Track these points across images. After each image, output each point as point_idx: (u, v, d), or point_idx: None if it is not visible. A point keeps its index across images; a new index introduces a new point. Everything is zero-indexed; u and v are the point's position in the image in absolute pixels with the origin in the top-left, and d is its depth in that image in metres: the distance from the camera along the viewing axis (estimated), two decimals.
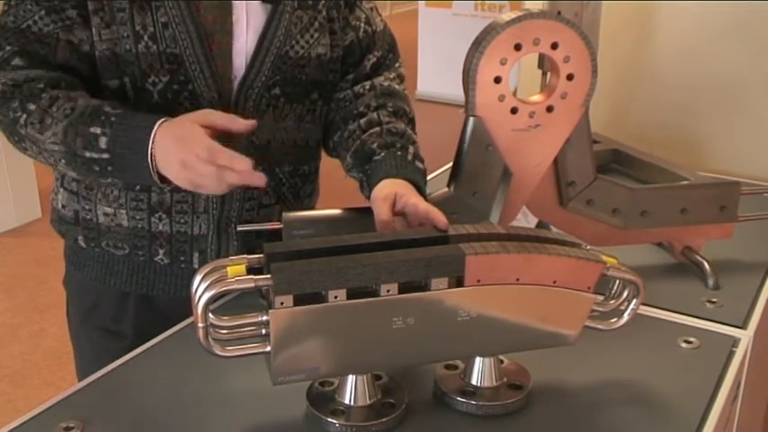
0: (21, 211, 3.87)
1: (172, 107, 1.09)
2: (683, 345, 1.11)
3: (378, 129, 1.16)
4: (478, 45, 1.10)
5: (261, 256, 0.87)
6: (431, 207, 0.99)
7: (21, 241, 3.73)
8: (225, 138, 1.01)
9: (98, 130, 1.01)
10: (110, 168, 1.03)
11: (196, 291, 0.83)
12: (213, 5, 1.09)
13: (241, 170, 0.96)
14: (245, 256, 0.87)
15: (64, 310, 1.32)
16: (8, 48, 1.05)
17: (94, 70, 1.09)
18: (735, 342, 1.13)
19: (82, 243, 1.19)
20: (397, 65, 1.30)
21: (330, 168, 1.34)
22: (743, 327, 1.17)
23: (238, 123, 1.01)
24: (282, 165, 1.21)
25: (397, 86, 1.26)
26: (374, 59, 1.26)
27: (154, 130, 0.99)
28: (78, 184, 1.17)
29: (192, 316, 0.84)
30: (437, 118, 5.77)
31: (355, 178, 1.18)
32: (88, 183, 1.16)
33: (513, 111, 1.14)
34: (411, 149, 1.15)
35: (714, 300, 1.24)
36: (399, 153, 1.13)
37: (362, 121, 1.19)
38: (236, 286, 0.83)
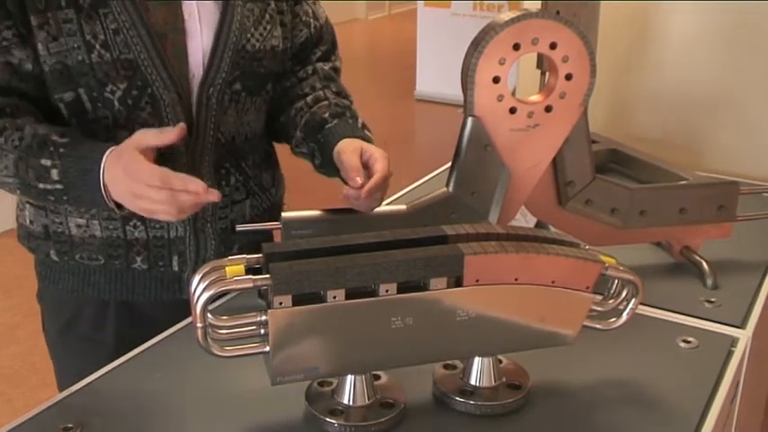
0: None
1: (134, 113, 1.08)
2: (682, 344, 1.11)
3: (326, 102, 1.22)
4: (477, 45, 1.10)
5: (260, 255, 0.86)
6: (380, 172, 1.03)
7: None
8: (167, 150, 1.02)
9: (48, 162, 1.01)
10: (65, 197, 1.03)
11: (195, 290, 0.83)
12: (162, 6, 1.08)
13: (196, 191, 0.95)
14: (243, 255, 0.87)
15: (41, 328, 1.29)
16: None
17: (40, 89, 1.07)
18: (733, 342, 1.13)
19: (54, 257, 1.17)
20: (333, 57, 1.33)
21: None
22: (741, 326, 1.17)
23: (169, 135, 0.99)
24: (247, 158, 1.22)
25: (335, 75, 1.30)
26: (320, 53, 1.29)
27: (103, 162, 0.99)
28: None
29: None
30: (435, 118, 5.78)
31: (304, 153, 1.21)
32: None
33: (512, 110, 1.14)
34: (360, 120, 1.20)
35: (713, 299, 1.24)
36: (350, 121, 1.18)
37: (309, 98, 1.23)
38: (234, 286, 0.83)
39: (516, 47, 1.10)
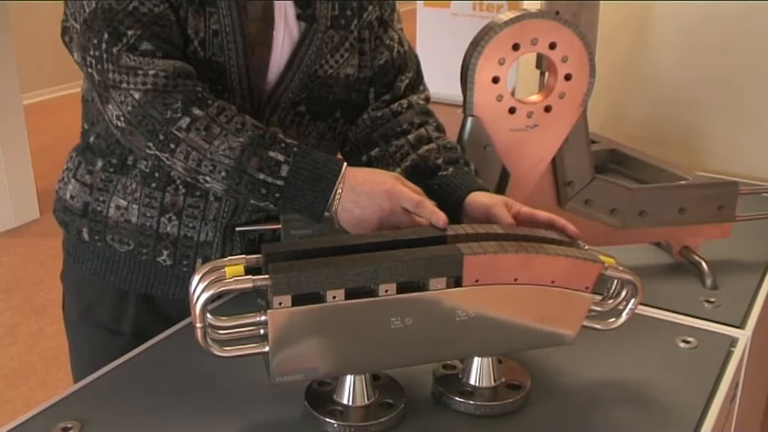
0: (19, 212, 3.86)
1: None
2: (682, 344, 1.11)
3: (433, 145, 1.15)
4: (476, 45, 1.10)
5: (259, 256, 0.87)
6: (552, 215, 1.00)
7: (19, 241, 3.72)
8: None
9: (281, 157, 0.99)
10: (277, 195, 1.01)
11: (194, 291, 0.83)
12: (258, 19, 1.08)
13: (437, 224, 0.96)
14: (243, 256, 0.87)
15: (61, 309, 1.32)
16: (130, 32, 0.99)
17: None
18: (733, 342, 1.13)
19: (85, 236, 1.18)
20: (422, 87, 1.27)
21: None
22: (741, 326, 1.17)
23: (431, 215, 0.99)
24: None
25: (431, 109, 1.25)
26: (407, 81, 1.23)
27: (341, 174, 0.99)
28: (93, 176, 1.15)
29: (191, 316, 0.84)
30: None
31: None
32: (105, 177, 1.14)
33: (511, 111, 1.14)
34: (472, 165, 1.16)
35: (712, 299, 1.24)
36: (466, 169, 1.13)
37: (410, 137, 1.17)
38: (234, 286, 0.83)
39: (516, 47, 1.10)
